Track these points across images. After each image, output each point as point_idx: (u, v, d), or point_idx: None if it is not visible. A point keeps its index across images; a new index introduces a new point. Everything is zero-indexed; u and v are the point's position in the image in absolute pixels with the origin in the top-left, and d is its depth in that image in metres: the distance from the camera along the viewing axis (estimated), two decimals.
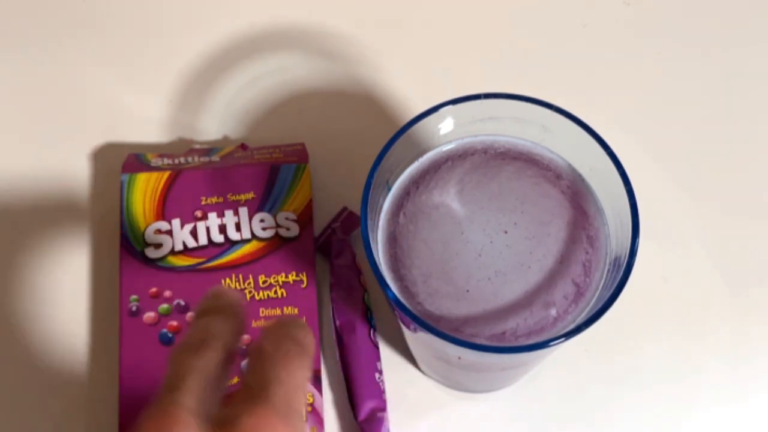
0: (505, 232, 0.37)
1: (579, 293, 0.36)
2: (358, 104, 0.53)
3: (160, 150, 0.52)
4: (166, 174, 0.49)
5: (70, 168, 0.52)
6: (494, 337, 0.35)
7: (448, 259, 0.37)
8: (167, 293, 0.47)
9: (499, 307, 0.36)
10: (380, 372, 0.46)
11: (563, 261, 0.36)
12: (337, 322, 0.47)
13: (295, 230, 0.48)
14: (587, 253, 0.36)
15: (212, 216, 0.48)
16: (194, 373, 0.28)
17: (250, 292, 0.47)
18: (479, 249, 0.37)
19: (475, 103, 0.37)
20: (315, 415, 0.45)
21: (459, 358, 0.37)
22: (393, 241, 0.37)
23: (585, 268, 0.36)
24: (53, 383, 0.47)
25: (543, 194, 0.37)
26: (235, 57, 0.54)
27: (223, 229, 0.48)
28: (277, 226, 0.48)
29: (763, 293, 0.49)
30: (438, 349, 0.37)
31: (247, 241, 0.48)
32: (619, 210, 0.36)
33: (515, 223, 0.37)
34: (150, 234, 0.48)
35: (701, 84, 0.54)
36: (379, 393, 0.46)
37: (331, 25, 0.55)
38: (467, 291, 0.36)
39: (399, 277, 0.37)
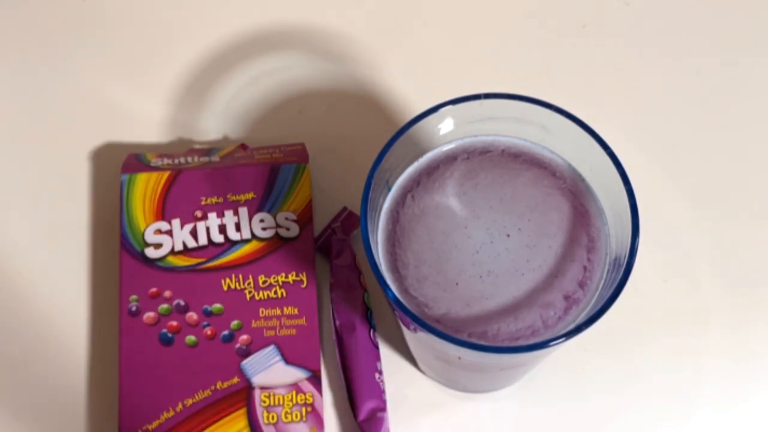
0: (508, 236, 0.37)
1: (568, 308, 0.36)
2: (358, 104, 0.53)
3: (160, 150, 0.52)
4: (166, 174, 0.49)
5: (70, 168, 0.52)
6: (474, 335, 0.35)
7: (446, 250, 0.37)
8: (167, 293, 0.47)
9: (484, 306, 0.36)
10: (380, 372, 0.46)
11: (558, 275, 0.36)
12: (337, 322, 0.47)
13: (295, 230, 0.48)
14: (585, 269, 0.36)
15: (212, 216, 0.48)
16: None
17: (250, 292, 0.47)
18: (478, 246, 0.37)
19: (475, 103, 0.37)
20: (315, 415, 0.45)
21: (459, 358, 0.37)
22: (393, 238, 0.37)
23: (580, 284, 0.36)
24: (53, 383, 0.47)
25: (554, 206, 0.37)
26: (235, 57, 0.54)
27: (223, 229, 0.48)
28: (277, 226, 0.48)
29: (763, 293, 0.49)
30: (438, 349, 0.37)
31: (247, 241, 0.48)
32: (619, 210, 0.36)
33: (519, 229, 0.37)
34: (150, 234, 0.48)
35: (701, 84, 0.54)
36: (379, 393, 0.46)
37: (331, 25, 0.55)
38: (456, 284, 0.36)
39: (393, 257, 0.37)
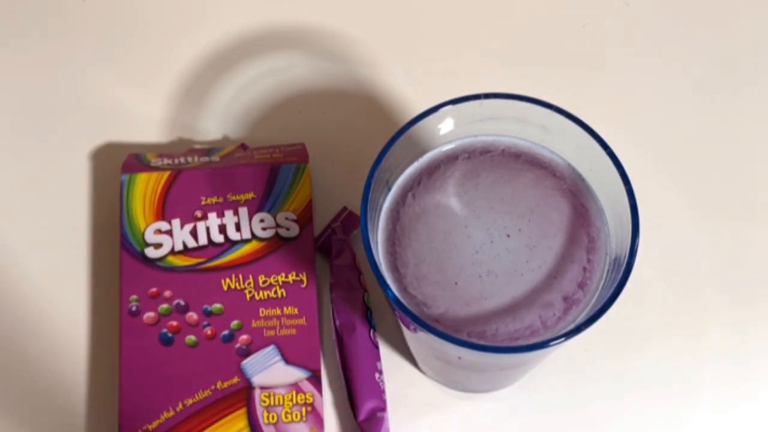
0: (508, 236, 0.37)
1: (568, 308, 0.36)
2: (358, 104, 0.53)
3: (160, 150, 0.52)
4: (166, 174, 0.49)
5: (70, 168, 0.52)
6: (472, 335, 0.35)
7: (445, 249, 0.37)
8: (167, 293, 0.47)
9: (482, 306, 0.36)
10: (380, 372, 0.46)
11: (557, 276, 0.36)
12: (337, 322, 0.47)
13: (295, 230, 0.48)
14: (585, 270, 0.36)
15: (212, 216, 0.48)
16: None
17: (250, 292, 0.47)
18: (478, 246, 0.37)
19: (475, 103, 0.37)
20: (315, 415, 0.45)
21: (459, 358, 0.37)
22: (393, 237, 0.37)
23: (579, 285, 0.36)
24: (53, 383, 0.47)
25: (554, 207, 0.37)
26: (235, 57, 0.54)
27: (223, 229, 0.48)
28: (277, 226, 0.48)
29: (763, 293, 0.49)
30: (438, 349, 0.37)
31: (247, 241, 0.48)
32: (619, 210, 0.36)
33: (520, 230, 0.37)
34: (150, 234, 0.48)
35: (701, 84, 0.54)
36: (379, 393, 0.46)
37: (331, 25, 0.55)
38: (455, 283, 0.36)
39: (393, 256, 0.37)
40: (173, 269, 0.47)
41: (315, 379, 0.46)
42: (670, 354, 0.48)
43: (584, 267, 0.36)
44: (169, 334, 0.46)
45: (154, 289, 0.47)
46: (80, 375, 0.48)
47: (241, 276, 0.47)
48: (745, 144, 0.52)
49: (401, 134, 0.36)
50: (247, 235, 0.48)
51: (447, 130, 0.38)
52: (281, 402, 0.45)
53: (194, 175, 0.49)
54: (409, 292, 0.36)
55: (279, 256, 0.47)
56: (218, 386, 0.45)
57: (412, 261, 0.37)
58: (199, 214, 0.48)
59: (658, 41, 0.55)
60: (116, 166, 0.50)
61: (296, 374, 0.46)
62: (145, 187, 0.48)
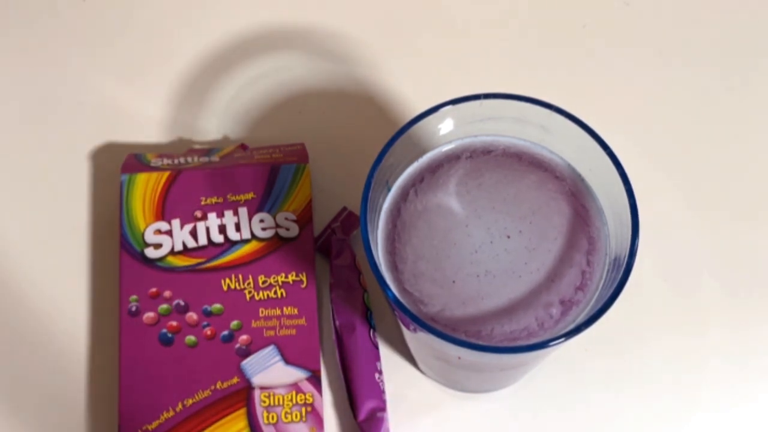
0: (508, 237, 0.37)
1: (565, 311, 0.36)
2: (358, 104, 0.53)
3: (160, 150, 0.52)
4: (166, 174, 0.49)
5: (70, 168, 0.52)
6: (469, 334, 0.35)
7: (445, 247, 0.37)
8: (167, 293, 0.47)
9: (479, 306, 0.36)
10: (380, 372, 0.46)
11: (556, 279, 0.36)
12: (337, 322, 0.47)
13: (294, 230, 0.48)
14: (584, 274, 0.36)
15: (212, 216, 0.48)
16: None
17: (250, 292, 0.47)
18: (477, 246, 0.37)
19: (475, 103, 0.37)
20: (315, 415, 0.45)
21: (459, 358, 0.37)
22: (393, 235, 0.37)
23: (578, 288, 0.36)
24: (53, 383, 0.47)
25: (556, 210, 0.37)
26: (235, 57, 0.54)
27: (222, 229, 0.48)
28: (277, 226, 0.48)
29: (762, 293, 0.49)
30: (437, 349, 0.37)
31: (247, 241, 0.48)
32: (619, 210, 0.36)
33: (520, 231, 0.37)
34: (150, 234, 0.48)
35: (701, 84, 0.54)
36: (379, 393, 0.46)
37: (331, 25, 0.55)
38: (453, 282, 0.36)
39: (392, 255, 0.37)
40: (173, 269, 0.47)
41: (315, 379, 0.46)
42: (670, 354, 0.48)
43: (583, 270, 0.36)
44: (169, 334, 0.46)
45: (153, 290, 0.47)
46: (80, 375, 0.48)
47: (240, 276, 0.47)
48: (745, 144, 0.52)
49: (401, 134, 0.36)
50: (246, 235, 0.48)
51: (447, 130, 0.38)
52: (281, 402, 0.45)
53: (194, 175, 0.49)
54: (406, 289, 0.36)
55: (279, 257, 0.47)
56: (218, 386, 0.45)
57: (410, 257, 0.37)
58: (198, 214, 0.48)
59: (658, 41, 0.55)
60: (116, 166, 0.50)
61: (296, 374, 0.46)
62: (145, 187, 0.48)
